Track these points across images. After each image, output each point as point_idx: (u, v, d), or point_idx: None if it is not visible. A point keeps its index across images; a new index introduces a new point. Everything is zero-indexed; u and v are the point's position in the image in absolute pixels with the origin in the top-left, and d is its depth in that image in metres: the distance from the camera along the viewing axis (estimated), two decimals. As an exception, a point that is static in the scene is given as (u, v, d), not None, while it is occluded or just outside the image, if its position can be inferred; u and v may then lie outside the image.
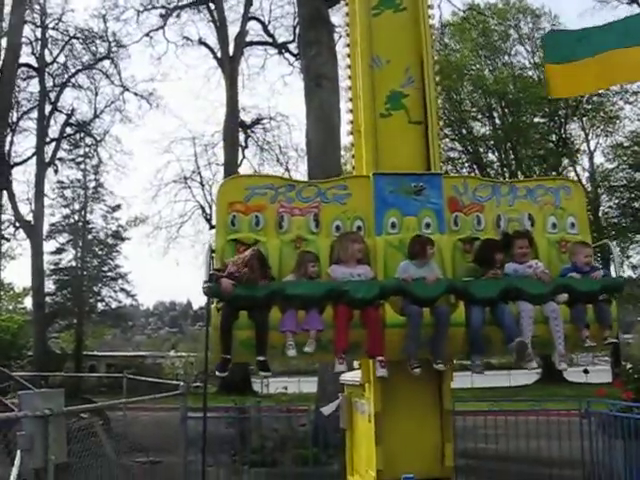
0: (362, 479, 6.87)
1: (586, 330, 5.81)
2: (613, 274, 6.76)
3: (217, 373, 5.78)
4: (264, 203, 6.29)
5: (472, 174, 32.23)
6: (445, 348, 5.73)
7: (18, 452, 6.14)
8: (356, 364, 6.83)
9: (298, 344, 5.53)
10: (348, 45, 7.29)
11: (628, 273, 31.89)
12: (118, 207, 41.70)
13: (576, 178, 32.61)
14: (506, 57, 34.02)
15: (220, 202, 6.34)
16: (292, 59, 33.90)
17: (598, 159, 44.09)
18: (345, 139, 16.34)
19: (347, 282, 5.73)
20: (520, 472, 9.37)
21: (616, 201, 32.53)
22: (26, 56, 32.44)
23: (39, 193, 33.22)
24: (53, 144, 35.41)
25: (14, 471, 6.23)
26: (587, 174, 33.89)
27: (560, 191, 6.68)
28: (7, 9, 27.21)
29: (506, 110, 32.52)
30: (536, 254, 6.28)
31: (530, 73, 33.12)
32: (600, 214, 31.57)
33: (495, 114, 33.04)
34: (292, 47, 33.55)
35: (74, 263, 41.40)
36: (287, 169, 30.94)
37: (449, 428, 6.39)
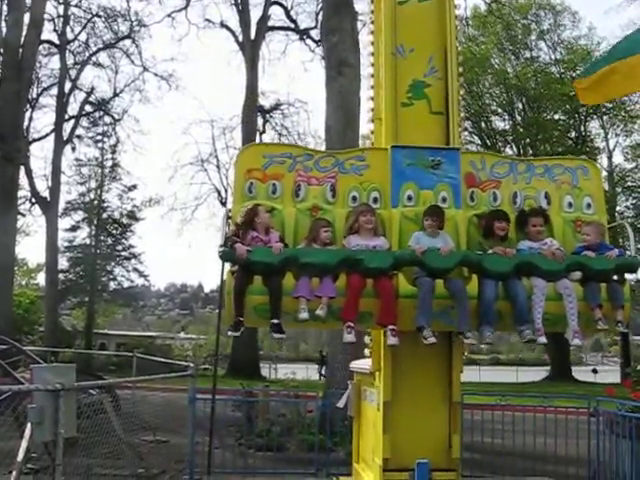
0: (368, 467, 6.89)
1: (599, 310, 5.80)
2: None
3: (229, 333, 5.82)
4: (282, 171, 6.33)
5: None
6: (469, 319, 5.67)
7: (28, 425, 6.21)
8: (367, 352, 6.81)
9: (310, 310, 5.54)
10: (372, 32, 7.26)
11: (641, 275, 31.67)
12: (134, 187, 41.93)
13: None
14: (528, 53, 33.75)
15: (238, 168, 6.37)
16: (313, 45, 33.80)
17: (617, 158, 43.81)
18: (364, 127, 16.35)
19: (362, 251, 5.74)
20: (525, 468, 9.34)
21: (633, 201, 32.29)
22: (48, 32, 32.49)
23: (56, 170, 33.38)
24: (72, 121, 35.53)
25: (23, 444, 6.30)
26: (605, 173, 33.62)
27: (578, 171, 6.67)
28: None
29: (526, 105, 32.28)
30: (551, 232, 6.27)
31: (552, 69, 32.85)
32: (616, 214, 31.34)
33: (515, 109, 32.81)
34: (314, 33, 33.48)
35: (88, 241, 41.68)
36: (304, 155, 30.84)
37: (457, 420, 6.39)
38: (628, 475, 8.51)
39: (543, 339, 5.73)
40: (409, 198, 6.20)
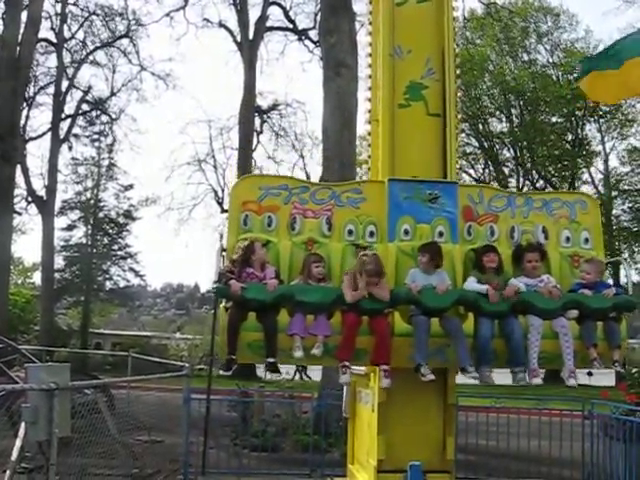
0: (362, 468, 6.89)
1: (594, 350, 5.75)
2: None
3: (221, 372, 5.80)
4: (277, 204, 6.28)
5: (486, 170, 32.16)
6: (469, 354, 5.66)
7: (22, 424, 6.19)
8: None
9: (305, 347, 5.53)
10: (370, 34, 7.27)
11: (636, 278, 31.73)
12: (131, 186, 41.82)
13: (590, 180, 32.49)
14: (526, 55, 33.80)
15: (233, 201, 6.33)
16: (312, 46, 33.76)
17: (613, 162, 43.85)
18: (362, 128, 16.34)
19: None
20: (520, 470, 9.36)
21: (629, 205, 32.34)
22: (45, 31, 32.36)
23: (52, 169, 33.29)
24: (68, 120, 35.44)
25: (18, 443, 6.28)
26: (601, 176, 33.68)
27: (576, 205, 6.64)
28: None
29: (524, 108, 32.33)
30: (548, 268, 6.25)
31: (550, 72, 32.90)
32: (612, 217, 31.38)
33: (513, 111, 32.86)
34: (312, 34, 33.43)
35: (84, 240, 41.54)
36: (302, 156, 30.88)
37: (452, 422, 6.40)
38: (622, 478, 8.53)
39: (537, 380, 5.71)
40: (406, 232, 6.17)
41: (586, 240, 6.53)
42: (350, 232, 6.25)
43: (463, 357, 5.62)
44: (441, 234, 6.18)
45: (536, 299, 5.80)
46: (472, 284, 5.85)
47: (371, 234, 6.24)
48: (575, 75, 29.77)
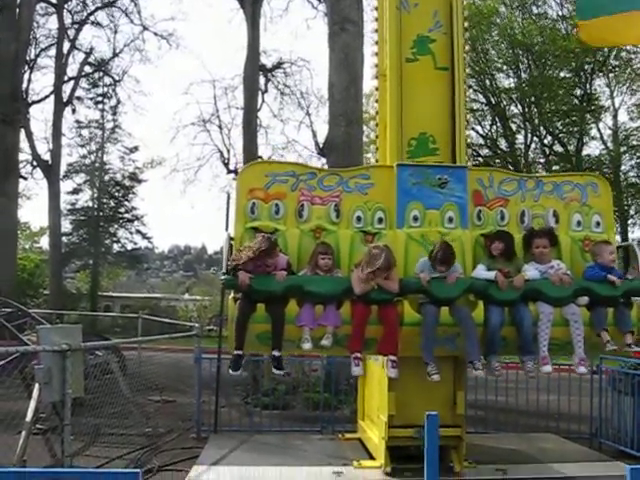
0: (373, 424, 6.96)
1: (606, 333, 5.75)
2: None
3: (230, 372, 5.77)
4: (285, 191, 6.22)
5: (494, 126, 31.81)
6: (479, 347, 5.68)
7: (36, 386, 6.25)
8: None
9: (314, 338, 5.54)
10: (376, -13, 7.11)
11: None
12: (135, 149, 41.59)
13: (598, 135, 32.12)
14: (535, 8, 33.13)
15: (240, 188, 6.25)
16: (316, 2, 33.05)
17: (622, 117, 43.23)
18: (368, 85, 16.15)
19: None
20: (528, 424, 9.44)
21: (637, 161, 32.00)
22: (45, -9, 31.94)
23: (57, 132, 33.06)
24: (71, 83, 35.07)
25: (32, 404, 6.35)
26: (610, 132, 33.28)
27: (587, 187, 6.59)
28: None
29: (532, 63, 31.82)
30: (559, 252, 6.21)
31: (558, 26, 32.28)
32: (620, 173, 31.10)
33: (521, 67, 32.35)
34: (316, -11, 32.76)
35: (90, 204, 41.56)
36: (308, 114, 30.42)
37: (462, 377, 6.44)
38: (630, 431, 8.60)
39: (548, 368, 5.73)
40: (415, 218, 6.12)
41: (597, 224, 6.49)
42: (359, 219, 6.21)
43: (472, 351, 5.66)
44: (451, 220, 6.14)
45: (546, 287, 5.78)
46: (481, 272, 5.83)
47: (380, 220, 6.20)
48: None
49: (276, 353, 5.64)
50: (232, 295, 5.83)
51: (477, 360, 5.64)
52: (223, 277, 5.71)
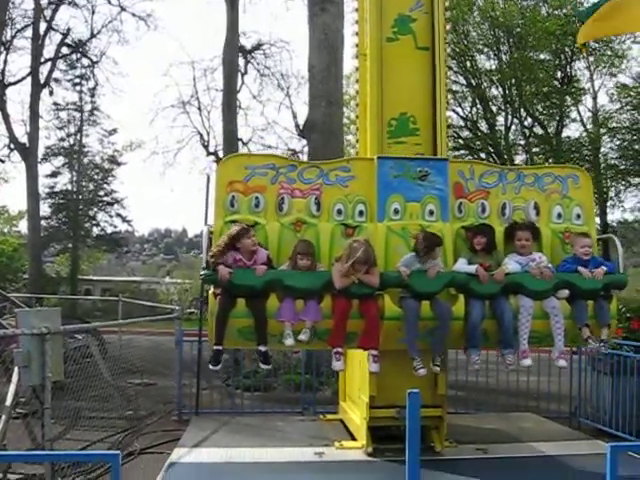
0: (354, 404, 6.99)
1: (587, 329, 5.78)
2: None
3: (210, 367, 5.75)
4: (264, 184, 6.15)
5: (474, 108, 31.84)
6: (444, 345, 5.81)
7: (15, 370, 6.19)
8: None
9: (295, 333, 5.53)
10: (356, -35, 7.03)
11: (624, 215, 31.92)
12: (114, 131, 41.16)
13: (578, 117, 32.26)
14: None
15: (219, 181, 6.16)
16: (295, -18, 32.85)
17: (602, 99, 43.39)
18: (348, 65, 16.04)
19: None
20: (508, 404, 9.55)
21: (617, 142, 32.21)
22: (20, -29, 31.36)
23: (34, 114, 32.59)
24: (48, 64, 34.57)
25: (11, 388, 6.30)
26: (589, 114, 33.45)
27: (568, 179, 6.58)
28: None
29: (512, 45, 31.82)
30: (539, 245, 6.21)
31: (538, 8, 32.27)
32: (600, 155, 31.30)
33: (502, 48, 32.35)
34: (295, -30, 32.47)
35: (69, 187, 41.12)
36: (288, 95, 30.22)
37: (443, 357, 6.45)
38: (608, 410, 8.72)
39: (527, 362, 5.78)
40: (395, 211, 6.08)
41: (578, 216, 6.49)
42: (339, 212, 6.17)
43: (435, 348, 5.82)
44: (431, 212, 6.12)
45: (527, 280, 5.79)
46: (462, 265, 5.83)
47: (360, 213, 6.16)
48: (564, 11, 29.29)
49: (262, 348, 5.63)
50: (212, 290, 5.79)
51: (437, 356, 5.83)
52: (203, 272, 5.67)
